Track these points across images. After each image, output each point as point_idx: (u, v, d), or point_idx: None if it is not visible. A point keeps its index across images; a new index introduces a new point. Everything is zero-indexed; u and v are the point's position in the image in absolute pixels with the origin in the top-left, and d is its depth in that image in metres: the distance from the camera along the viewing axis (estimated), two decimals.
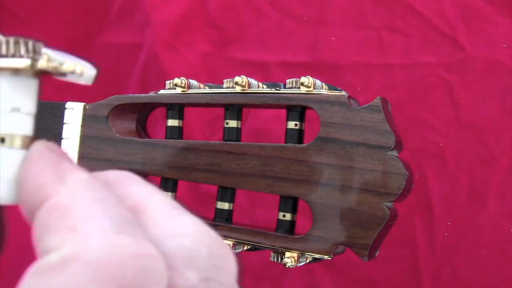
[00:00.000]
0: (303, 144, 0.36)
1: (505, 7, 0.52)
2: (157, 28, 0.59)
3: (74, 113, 0.40)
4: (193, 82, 0.39)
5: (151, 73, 0.59)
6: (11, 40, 0.23)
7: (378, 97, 0.34)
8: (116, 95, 0.40)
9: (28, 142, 0.24)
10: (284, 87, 0.37)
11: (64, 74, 0.24)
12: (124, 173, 0.24)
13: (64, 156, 0.24)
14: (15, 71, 0.24)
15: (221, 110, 0.39)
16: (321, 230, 0.35)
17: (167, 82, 0.39)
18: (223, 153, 0.37)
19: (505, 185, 0.50)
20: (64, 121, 0.40)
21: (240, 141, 0.38)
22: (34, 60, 0.23)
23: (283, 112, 0.38)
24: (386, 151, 0.33)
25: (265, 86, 0.37)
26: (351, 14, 0.55)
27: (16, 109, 0.24)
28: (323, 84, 0.36)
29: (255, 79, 0.37)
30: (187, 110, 0.40)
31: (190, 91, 0.39)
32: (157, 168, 0.38)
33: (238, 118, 0.38)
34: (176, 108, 0.40)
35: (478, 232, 0.51)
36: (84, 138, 0.39)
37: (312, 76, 0.36)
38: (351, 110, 0.34)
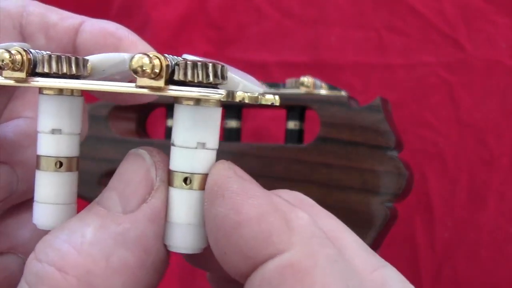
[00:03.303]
0: (303, 144, 0.36)
1: (505, 7, 0.52)
2: (157, 28, 0.59)
3: None
4: None
5: None
6: (198, 64, 0.19)
7: (378, 97, 0.34)
8: None
9: (203, 183, 0.21)
10: (284, 87, 0.37)
11: (257, 105, 0.20)
12: (302, 197, 0.22)
13: (253, 181, 0.20)
14: (197, 101, 0.20)
15: None
16: None
17: None
18: (223, 153, 0.37)
19: (505, 185, 0.50)
20: None
21: (240, 141, 0.38)
22: (231, 92, 0.19)
23: (283, 112, 0.38)
24: (386, 151, 0.33)
25: (264, 86, 0.37)
26: (351, 14, 0.55)
27: (201, 144, 0.21)
28: (323, 84, 0.36)
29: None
30: None
31: None
32: None
33: (238, 118, 0.38)
34: None
35: (478, 232, 0.51)
36: (84, 138, 0.39)
37: (312, 76, 0.36)
38: (351, 110, 0.34)
